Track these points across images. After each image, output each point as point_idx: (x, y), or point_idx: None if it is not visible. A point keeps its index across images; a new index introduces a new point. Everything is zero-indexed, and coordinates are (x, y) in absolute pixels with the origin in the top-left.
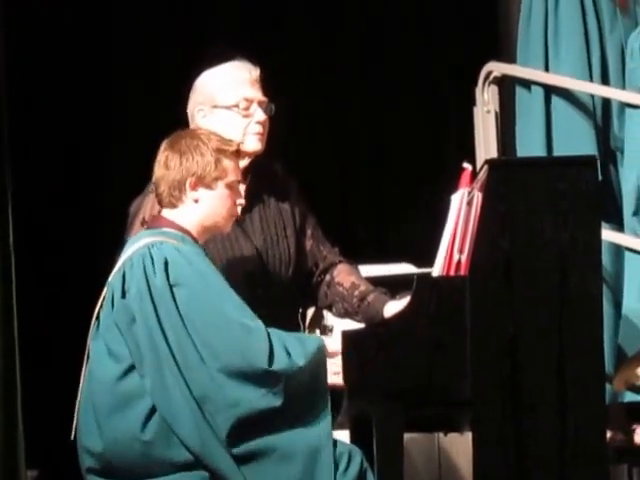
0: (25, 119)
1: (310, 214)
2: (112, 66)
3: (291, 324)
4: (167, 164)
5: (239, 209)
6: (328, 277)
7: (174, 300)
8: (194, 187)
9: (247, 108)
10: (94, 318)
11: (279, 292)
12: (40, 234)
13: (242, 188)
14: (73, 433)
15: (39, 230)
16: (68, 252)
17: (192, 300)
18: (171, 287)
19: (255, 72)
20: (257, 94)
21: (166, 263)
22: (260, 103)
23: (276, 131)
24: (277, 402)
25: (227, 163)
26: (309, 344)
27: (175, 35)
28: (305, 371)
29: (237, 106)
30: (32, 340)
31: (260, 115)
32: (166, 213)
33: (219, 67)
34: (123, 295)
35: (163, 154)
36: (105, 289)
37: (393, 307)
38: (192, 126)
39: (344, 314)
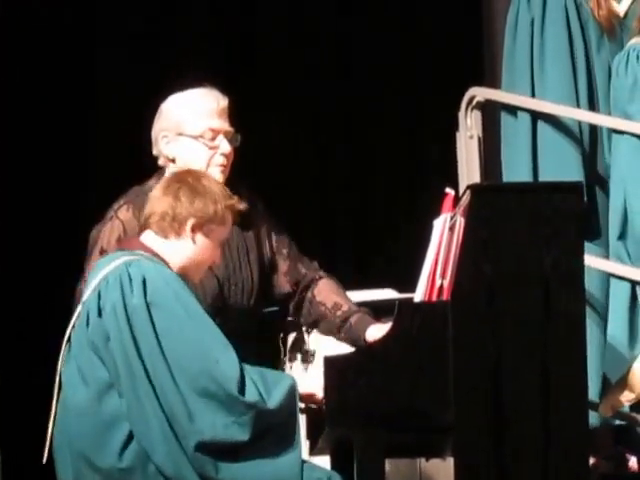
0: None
1: (283, 233)
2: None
3: (251, 353)
4: (178, 196)
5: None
6: (309, 294)
7: (150, 318)
8: (193, 229)
9: (213, 139)
10: (65, 341)
11: (239, 321)
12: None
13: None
14: (45, 459)
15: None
16: (45, 271)
17: (168, 321)
18: (148, 305)
19: (223, 102)
20: (224, 125)
21: (144, 281)
22: (226, 134)
23: (261, 155)
24: (244, 436)
25: (229, 221)
26: (281, 386)
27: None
28: (275, 414)
29: (203, 136)
30: (9, 363)
31: (225, 147)
32: (153, 237)
33: (186, 93)
34: (99, 314)
35: (175, 185)
36: (79, 308)
37: (375, 331)
38: (155, 151)
39: (328, 333)
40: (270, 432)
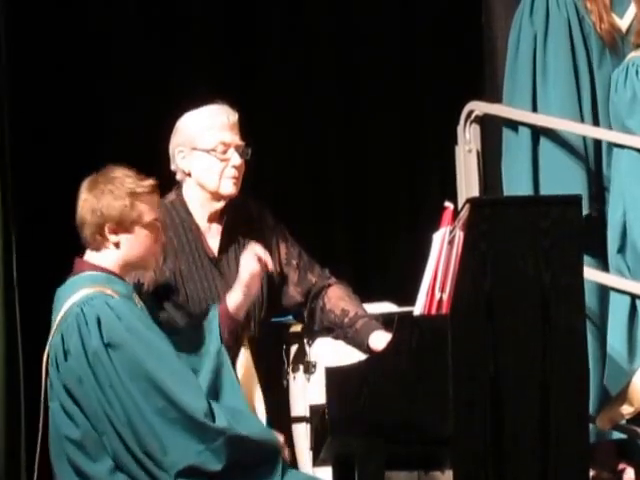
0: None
1: (292, 244)
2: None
3: (263, 361)
4: (85, 208)
5: (160, 247)
6: (320, 303)
7: (110, 360)
8: (113, 232)
9: (224, 152)
10: (44, 375)
11: (253, 332)
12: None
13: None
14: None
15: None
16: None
17: (127, 361)
18: (106, 347)
19: (233, 117)
20: (234, 138)
21: (99, 321)
22: (237, 147)
23: (260, 172)
24: (217, 464)
25: (142, 206)
26: (252, 420)
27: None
28: (248, 441)
29: (215, 150)
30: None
31: (236, 159)
32: (89, 255)
33: (199, 110)
34: (65, 357)
35: (82, 198)
36: (47, 348)
37: (377, 337)
38: (173, 166)
39: (342, 339)
40: (246, 460)
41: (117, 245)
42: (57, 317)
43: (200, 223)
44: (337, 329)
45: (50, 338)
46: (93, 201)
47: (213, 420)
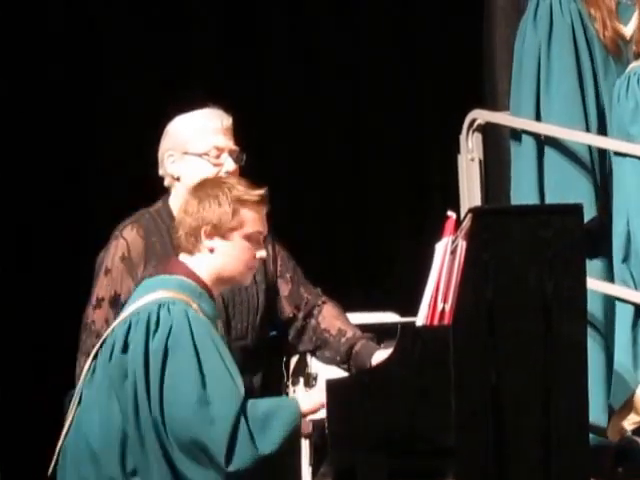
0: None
1: (289, 257)
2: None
3: (258, 371)
4: (186, 209)
5: (257, 262)
6: (313, 322)
7: (164, 362)
8: (209, 236)
9: (217, 157)
10: (90, 359)
11: (246, 340)
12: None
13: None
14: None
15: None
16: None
17: (179, 366)
18: (166, 349)
19: (227, 121)
20: (228, 143)
21: (170, 329)
22: (231, 152)
23: (258, 177)
24: None
25: (246, 214)
26: (282, 423)
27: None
28: (273, 455)
29: (207, 154)
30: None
31: (230, 164)
32: (183, 258)
33: (191, 114)
34: (124, 349)
35: (186, 199)
36: (107, 333)
37: (381, 357)
38: (161, 171)
39: (330, 361)
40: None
41: (212, 251)
42: (130, 307)
43: None
44: (327, 349)
45: (115, 322)
46: (194, 203)
47: (232, 456)
